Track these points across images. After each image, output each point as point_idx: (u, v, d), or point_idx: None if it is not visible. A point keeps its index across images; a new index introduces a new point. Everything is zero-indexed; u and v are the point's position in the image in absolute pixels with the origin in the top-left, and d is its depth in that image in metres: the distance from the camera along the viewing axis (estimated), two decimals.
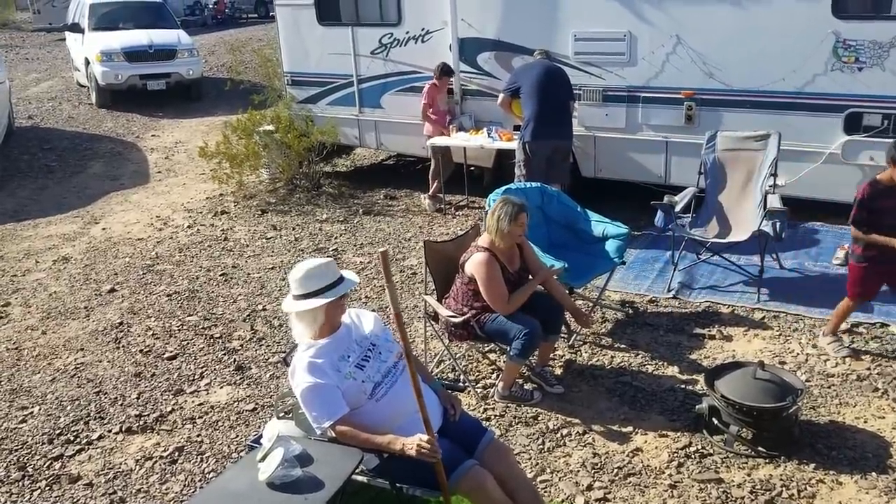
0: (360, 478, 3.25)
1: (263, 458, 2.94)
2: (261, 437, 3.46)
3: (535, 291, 4.46)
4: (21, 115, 12.87)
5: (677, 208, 5.74)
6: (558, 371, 4.76)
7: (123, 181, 9.75)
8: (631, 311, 5.46)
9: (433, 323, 4.70)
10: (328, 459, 2.96)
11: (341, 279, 3.25)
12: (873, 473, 3.53)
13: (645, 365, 4.72)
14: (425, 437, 2.94)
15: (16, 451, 4.20)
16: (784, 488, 3.49)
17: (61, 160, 10.54)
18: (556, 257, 4.88)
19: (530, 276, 4.48)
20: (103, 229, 7.96)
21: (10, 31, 26.18)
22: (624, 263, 5.39)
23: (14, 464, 4.07)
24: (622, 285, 5.83)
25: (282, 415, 3.78)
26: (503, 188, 5.47)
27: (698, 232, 5.81)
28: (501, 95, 7.07)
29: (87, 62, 13.74)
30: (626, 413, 4.24)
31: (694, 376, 4.52)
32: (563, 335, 4.99)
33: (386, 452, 3.07)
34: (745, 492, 3.48)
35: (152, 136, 12.02)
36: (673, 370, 4.63)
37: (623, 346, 4.98)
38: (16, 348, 5.42)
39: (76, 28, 14.81)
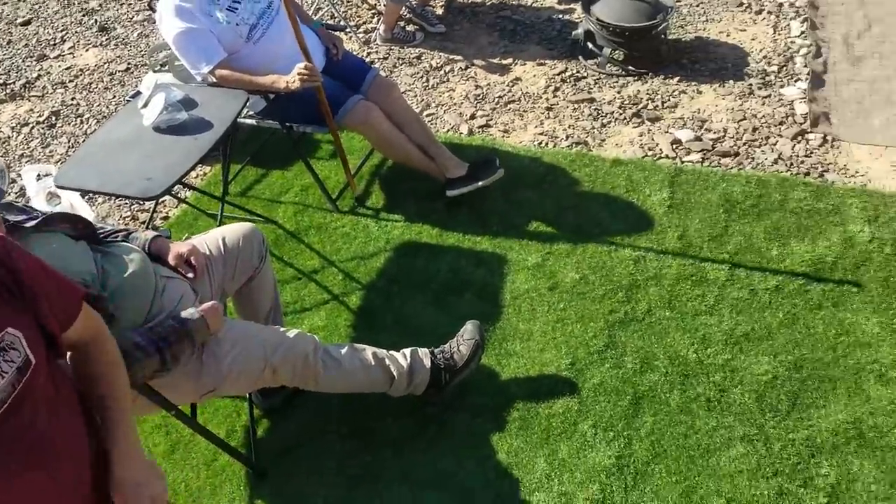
0: (249, 121, 3.29)
1: (145, 106, 2.90)
2: (139, 92, 3.38)
3: None
4: None
5: None
6: (439, 11, 4.69)
7: None
8: None
9: None
10: (214, 102, 2.95)
11: None
12: (730, 81, 3.84)
13: None
14: (303, 63, 2.92)
15: None
16: (650, 101, 3.77)
17: None
18: None
19: None
20: None
21: None
22: None
23: None
24: None
25: (158, 67, 3.67)
26: None
27: None
28: None
29: None
30: (506, 46, 4.32)
31: (571, 6, 4.56)
32: None
33: (271, 92, 3.07)
34: (614, 107, 3.75)
35: None
36: (551, 0, 4.64)
37: None
38: None
39: None
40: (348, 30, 4.54)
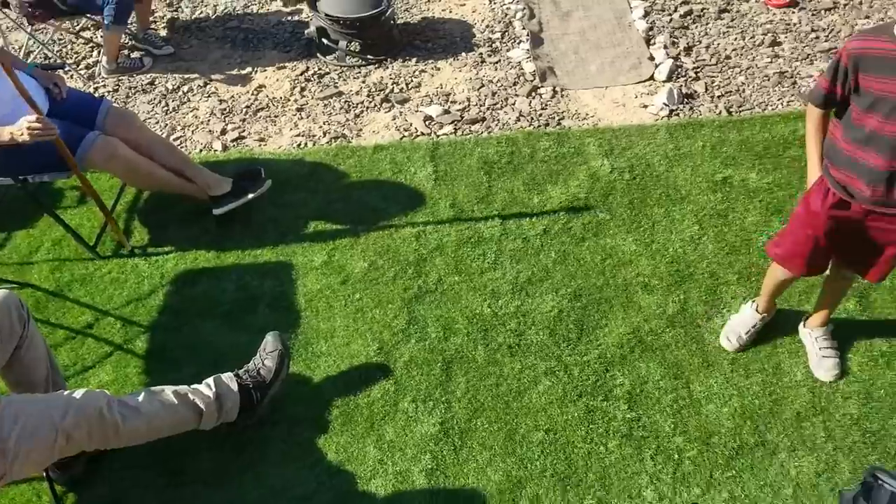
0: None
1: None
2: None
3: None
4: None
5: None
6: (163, 32, 4.49)
7: None
8: None
9: (5, 11, 4.06)
10: None
11: None
12: (463, 53, 4.06)
13: (249, 6, 4.64)
14: (32, 116, 2.70)
15: None
16: (395, 85, 3.89)
17: None
18: None
19: None
20: None
21: None
22: None
23: None
24: None
25: None
26: None
27: None
28: None
29: None
30: (241, 56, 4.24)
31: (298, 6, 4.56)
32: None
33: None
34: (362, 97, 3.83)
35: None
36: (277, 5, 4.62)
37: None
38: None
39: None
40: (67, 68, 4.21)
